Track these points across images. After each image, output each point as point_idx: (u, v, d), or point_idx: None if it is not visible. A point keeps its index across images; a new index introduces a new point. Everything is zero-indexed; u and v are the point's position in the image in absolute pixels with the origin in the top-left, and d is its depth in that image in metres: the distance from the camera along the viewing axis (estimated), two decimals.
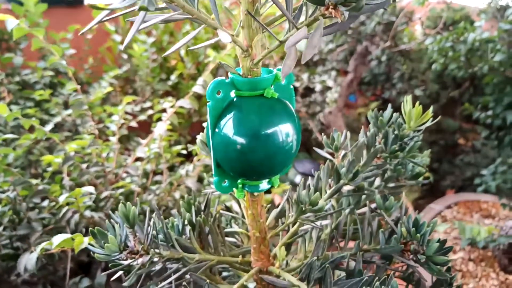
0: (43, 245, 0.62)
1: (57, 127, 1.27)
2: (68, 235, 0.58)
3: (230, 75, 0.36)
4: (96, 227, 0.38)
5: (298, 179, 1.68)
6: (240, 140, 0.35)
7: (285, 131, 0.36)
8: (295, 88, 1.81)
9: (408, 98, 0.47)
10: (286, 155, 0.37)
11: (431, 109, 0.47)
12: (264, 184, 0.40)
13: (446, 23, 1.90)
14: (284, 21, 0.32)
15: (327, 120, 1.73)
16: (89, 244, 0.38)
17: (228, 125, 0.35)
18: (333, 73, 1.74)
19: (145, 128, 1.36)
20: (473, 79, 1.85)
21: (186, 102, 0.88)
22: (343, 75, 1.87)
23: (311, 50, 0.23)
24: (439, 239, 0.40)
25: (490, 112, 1.62)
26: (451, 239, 1.48)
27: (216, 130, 0.36)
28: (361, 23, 1.75)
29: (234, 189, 0.40)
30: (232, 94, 0.36)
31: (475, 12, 1.92)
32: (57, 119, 1.20)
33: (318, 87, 1.72)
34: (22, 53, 1.45)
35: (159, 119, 1.00)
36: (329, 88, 1.73)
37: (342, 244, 0.48)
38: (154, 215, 0.42)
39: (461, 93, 1.96)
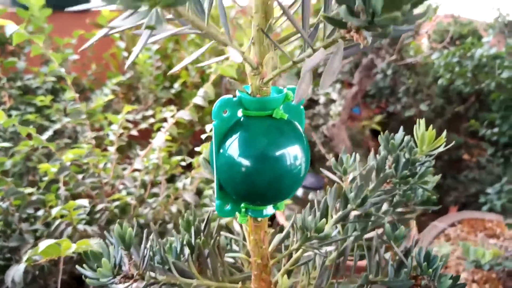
0: (29, 253, 0.59)
1: (58, 134, 1.25)
2: (54, 240, 0.56)
3: (237, 93, 0.34)
4: (90, 250, 0.36)
5: (300, 192, 1.65)
6: (246, 162, 0.33)
7: (294, 154, 0.34)
8: None
9: (421, 122, 0.45)
10: (294, 179, 0.35)
11: (444, 133, 0.45)
12: (269, 209, 0.37)
13: (453, 37, 1.89)
14: (298, 39, 0.30)
15: (331, 133, 1.71)
16: (81, 266, 0.36)
17: (233, 146, 0.33)
18: (338, 85, 1.73)
19: (147, 136, 1.34)
20: (479, 94, 1.83)
21: (186, 114, 0.86)
22: (348, 87, 1.85)
23: (330, 76, 0.21)
24: (452, 275, 0.37)
25: (496, 129, 1.60)
26: (454, 259, 1.45)
27: (221, 150, 0.34)
28: None
29: (237, 213, 0.37)
30: (239, 113, 0.34)
31: (483, 26, 1.91)
32: (57, 125, 1.18)
33: (322, 99, 1.71)
34: (25, 58, 1.44)
35: (160, 128, 0.98)
36: (333, 100, 1.71)
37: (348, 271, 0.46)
38: (151, 236, 0.40)
39: (466, 108, 1.94)
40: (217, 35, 0.26)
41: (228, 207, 0.37)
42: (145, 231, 0.38)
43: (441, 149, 0.47)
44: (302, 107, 0.37)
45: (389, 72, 1.76)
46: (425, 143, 0.46)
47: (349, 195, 0.43)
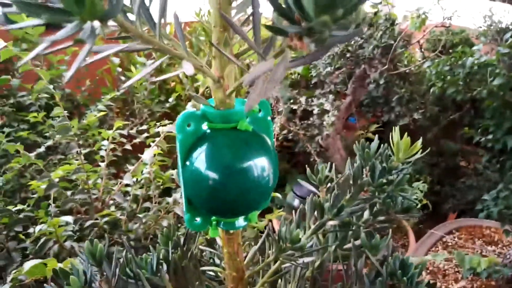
0: (14, 273, 0.59)
1: (51, 150, 1.25)
2: (40, 260, 0.56)
3: (201, 106, 0.34)
4: (59, 267, 0.36)
5: (296, 202, 1.65)
6: (213, 175, 0.33)
7: (261, 166, 0.34)
8: (294, 110, 1.79)
9: (396, 129, 0.45)
10: (262, 191, 0.35)
11: (420, 141, 0.45)
12: (240, 221, 0.37)
13: (446, 46, 1.90)
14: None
15: (326, 143, 1.71)
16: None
17: (199, 160, 0.33)
18: (331, 96, 1.73)
19: (143, 150, 1.35)
20: (473, 101, 1.83)
21: (174, 128, 0.86)
22: (342, 97, 1.85)
23: (273, 84, 0.22)
24: (429, 281, 0.37)
25: (490, 136, 1.59)
26: (453, 266, 1.43)
27: (187, 164, 0.34)
28: (360, 46, 1.74)
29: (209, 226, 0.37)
30: (204, 126, 0.35)
31: (475, 34, 1.92)
32: (50, 142, 1.18)
33: (316, 110, 1.71)
34: (20, 75, 1.45)
35: (152, 143, 0.98)
36: (326, 111, 1.71)
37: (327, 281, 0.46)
38: (124, 252, 0.40)
39: (461, 115, 1.94)
40: (170, 50, 0.26)
41: (198, 220, 0.37)
42: (115, 248, 0.38)
43: (417, 155, 0.47)
44: (269, 118, 0.37)
45: (381, 81, 1.76)
46: (401, 150, 0.46)
47: (325, 205, 0.43)
